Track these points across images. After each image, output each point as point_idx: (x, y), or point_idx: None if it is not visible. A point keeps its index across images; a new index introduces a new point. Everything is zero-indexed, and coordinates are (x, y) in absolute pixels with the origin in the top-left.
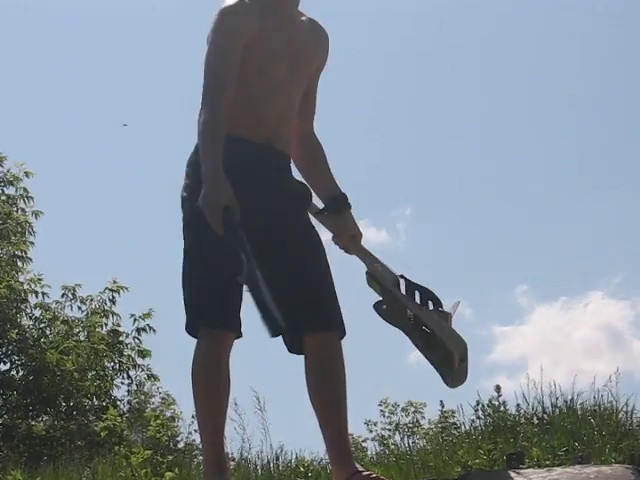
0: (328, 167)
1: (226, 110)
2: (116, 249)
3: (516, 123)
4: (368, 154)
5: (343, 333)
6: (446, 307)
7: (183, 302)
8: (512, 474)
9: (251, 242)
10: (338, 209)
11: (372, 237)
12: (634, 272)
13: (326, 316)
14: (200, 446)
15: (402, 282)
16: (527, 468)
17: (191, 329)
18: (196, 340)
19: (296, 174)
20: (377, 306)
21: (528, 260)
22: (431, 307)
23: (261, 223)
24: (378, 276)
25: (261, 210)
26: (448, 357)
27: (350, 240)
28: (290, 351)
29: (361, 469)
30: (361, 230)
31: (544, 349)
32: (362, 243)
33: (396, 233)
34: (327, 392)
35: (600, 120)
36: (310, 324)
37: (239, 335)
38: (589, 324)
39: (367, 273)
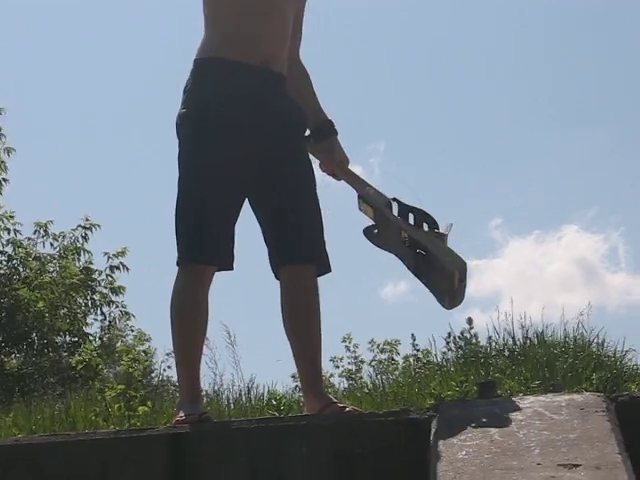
0: (314, 94)
1: (218, 32)
2: (89, 186)
3: (492, 57)
4: (343, 89)
5: (325, 269)
6: (440, 228)
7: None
8: (484, 402)
9: (248, 169)
10: (325, 136)
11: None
12: (608, 206)
13: (302, 250)
14: (176, 379)
15: (395, 205)
16: (499, 397)
17: (185, 262)
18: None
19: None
20: (368, 231)
21: (502, 194)
22: (426, 229)
23: (259, 149)
24: (370, 199)
25: (260, 135)
26: (447, 277)
27: (338, 166)
28: (277, 278)
29: (335, 400)
30: (348, 157)
31: (518, 283)
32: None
33: (370, 167)
34: (300, 324)
35: (576, 57)
36: (286, 257)
37: (225, 268)
38: (563, 258)
39: (359, 197)
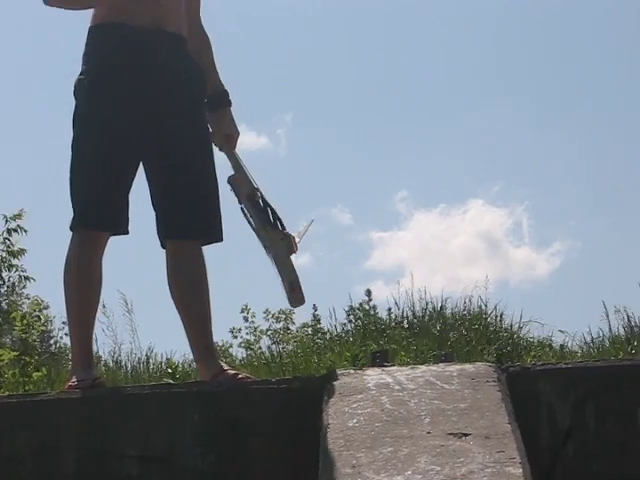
0: (213, 61)
1: None
2: None
3: (405, 22)
4: (249, 59)
5: (216, 238)
6: (299, 227)
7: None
8: (376, 371)
9: (141, 131)
10: (217, 106)
11: (252, 142)
12: (513, 180)
13: (188, 224)
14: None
15: (258, 195)
16: (391, 366)
17: (76, 227)
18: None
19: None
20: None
21: (408, 166)
22: (278, 227)
23: (152, 111)
24: (235, 185)
25: (152, 97)
26: (283, 284)
27: (224, 139)
28: (163, 247)
29: (227, 368)
30: (238, 130)
31: (422, 256)
32: (237, 145)
33: (277, 139)
34: (188, 294)
35: (481, 35)
36: (171, 230)
37: (119, 232)
38: (467, 231)
39: (228, 177)
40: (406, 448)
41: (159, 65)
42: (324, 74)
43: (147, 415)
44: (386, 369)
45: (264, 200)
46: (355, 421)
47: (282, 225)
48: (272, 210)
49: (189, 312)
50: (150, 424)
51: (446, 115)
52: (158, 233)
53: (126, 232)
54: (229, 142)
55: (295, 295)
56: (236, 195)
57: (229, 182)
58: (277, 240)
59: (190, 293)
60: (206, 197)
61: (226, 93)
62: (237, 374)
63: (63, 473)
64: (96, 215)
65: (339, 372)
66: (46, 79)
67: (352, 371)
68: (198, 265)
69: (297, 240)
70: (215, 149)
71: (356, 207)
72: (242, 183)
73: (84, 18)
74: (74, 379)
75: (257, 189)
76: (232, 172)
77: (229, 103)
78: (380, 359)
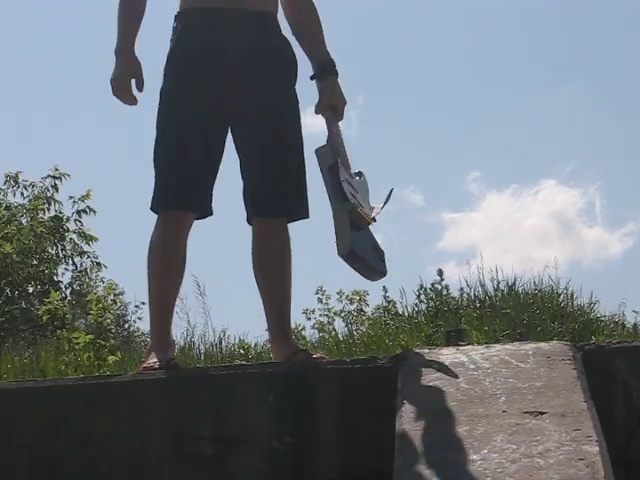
0: (318, 31)
1: None
2: (56, 135)
3: (473, 10)
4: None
5: (302, 215)
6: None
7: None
8: (451, 350)
9: (223, 111)
10: (321, 75)
11: (323, 124)
12: (586, 161)
13: (277, 203)
14: (148, 329)
15: (338, 167)
16: (466, 345)
17: (156, 208)
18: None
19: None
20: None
21: (481, 147)
22: (350, 200)
23: (234, 92)
24: (321, 156)
25: (233, 78)
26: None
27: (330, 109)
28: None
29: (302, 348)
30: (345, 99)
31: (494, 237)
32: (308, 126)
33: (348, 121)
34: (270, 273)
35: (556, 12)
36: (260, 208)
37: (204, 214)
38: (539, 212)
39: (317, 148)
40: (482, 427)
41: (238, 45)
42: (395, 55)
43: (222, 396)
44: (461, 348)
45: (346, 174)
46: (430, 400)
47: (357, 200)
48: (351, 185)
49: (268, 291)
50: (225, 405)
51: (519, 95)
52: (246, 208)
53: (210, 214)
54: (335, 112)
55: (361, 267)
56: (320, 165)
57: (316, 152)
58: (343, 211)
59: (271, 272)
60: (293, 174)
61: (332, 62)
62: (311, 354)
63: (138, 454)
64: (178, 195)
65: (414, 351)
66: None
67: (427, 350)
68: (282, 244)
69: (377, 210)
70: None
71: (428, 188)
72: (328, 155)
73: None
74: (151, 359)
75: (339, 162)
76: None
77: (335, 72)
78: (455, 338)
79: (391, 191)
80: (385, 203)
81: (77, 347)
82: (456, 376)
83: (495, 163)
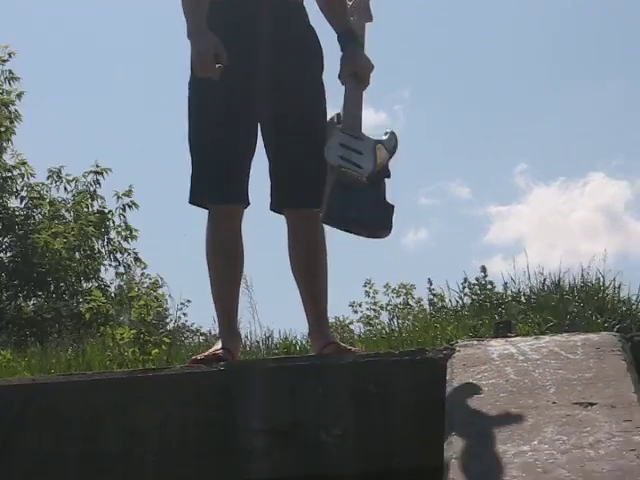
0: (341, 2)
1: None
2: (97, 129)
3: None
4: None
5: None
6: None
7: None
8: (500, 342)
9: (252, 102)
10: (343, 44)
11: (371, 119)
12: (634, 153)
13: (305, 194)
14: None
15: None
16: (515, 337)
17: (194, 201)
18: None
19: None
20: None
21: (528, 140)
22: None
23: (258, 84)
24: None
25: (259, 67)
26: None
27: (349, 79)
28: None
29: (336, 341)
30: (372, 63)
31: (541, 230)
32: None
33: (395, 114)
34: (306, 265)
35: (606, 4)
36: (290, 199)
37: (247, 204)
38: (587, 205)
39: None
40: (531, 418)
41: (261, 33)
42: (442, 48)
43: (270, 389)
44: (510, 340)
45: (346, 137)
46: (480, 392)
47: (351, 161)
48: (348, 147)
49: (305, 284)
50: (274, 398)
51: (568, 88)
52: (271, 199)
53: (247, 203)
54: (359, 79)
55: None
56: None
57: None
58: (330, 175)
59: (306, 264)
60: (322, 163)
61: (352, 31)
62: (346, 348)
63: (187, 446)
64: (211, 187)
65: (462, 343)
66: (156, 57)
67: (475, 342)
68: (316, 235)
69: (383, 162)
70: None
71: (475, 181)
72: (332, 122)
73: None
74: (214, 347)
75: (335, 126)
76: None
77: (355, 41)
78: (503, 330)
79: (392, 135)
80: (390, 154)
81: (121, 342)
82: (505, 367)
83: (543, 156)
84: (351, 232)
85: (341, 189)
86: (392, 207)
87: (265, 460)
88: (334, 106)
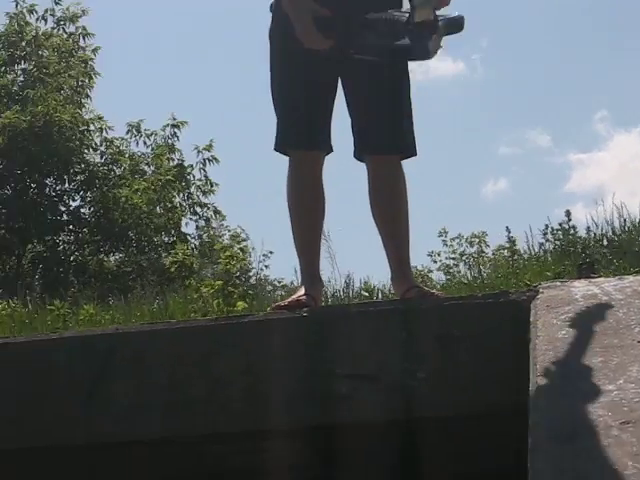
0: None
1: None
2: (173, 82)
3: None
4: None
5: (410, 153)
6: None
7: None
8: (583, 282)
9: (331, 50)
10: None
11: (449, 69)
12: None
13: (386, 139)
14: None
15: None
16: (598, 277)
17: (278, 148)
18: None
19: None
20: None
21: (608, 86)
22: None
23: (341, 28)
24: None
25: (340, 16)
26: None
27: None
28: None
29: (419, 285)
30: None
31: (622, 177)
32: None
33: (473, 64)
34: (387, 210)
35: None
36: (370, 146)
37: (329, 151)
38: None
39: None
40: (617, 357)
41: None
42: None
43: (355, 334)
44: (593, 280)
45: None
46: (564, 332)
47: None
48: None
49: (386, 229)
50: (358, 343)
51: None
52: (354, 147)
53: (330, 150)
54: None
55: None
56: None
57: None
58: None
59: (388, 210)
60: (400, 112)
61: None
62: (424, 290)
63: (271, 392)
64: (295, 134)
65: (545, 285)
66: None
67: (559, 283)
68: (397, 182)
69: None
70: None
71: (554, 129)
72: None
73: None
74: (297, 293)
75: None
76: None
77: None
78: (586, 271)
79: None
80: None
81: (205, 294)
82: (589, 307)
83: (623, 102)
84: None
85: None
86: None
87: (350, 405)
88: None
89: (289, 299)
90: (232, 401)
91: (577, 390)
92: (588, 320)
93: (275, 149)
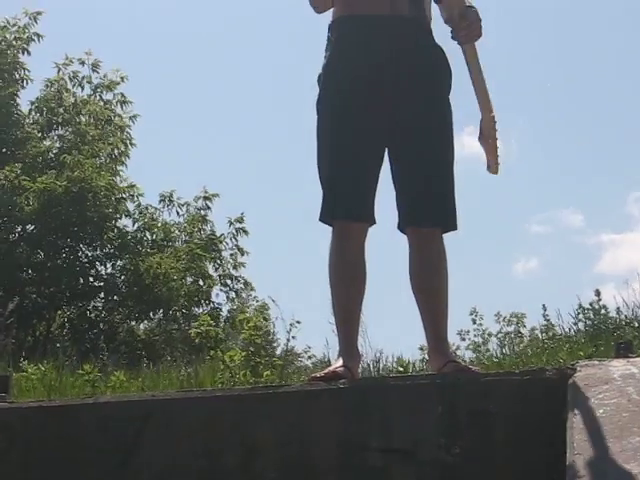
0: None
1: None
2: (204, 153)
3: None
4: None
5: (451, 227)
6: None
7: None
8: (621, 362)
9: (381, 121)
10: None
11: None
12: None
13: (431, 213)
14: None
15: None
16: (637, 357)
17: (324, 218)
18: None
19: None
20: None
21: None
22: None
23: (387, 101)
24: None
25: (387, 85)
26: None
27: (454, 19)
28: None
29: (457, 360)
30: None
31: None
32: (461, 141)
33: (508, 141)
34: (427, 283)
35: None
36: (414, 218)
37: (372, 223)
38: None
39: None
40: None
41: (395, 55)
42: (555, 77)
43: (390, 407)
44: (631, 360)
45: None
46: (601, 411)
47: None
48: None
49: (426, 303)
50: (393, 416)
51: None
52: (399, 218)
53: (373, 222)
54: (467, 27)
55: None
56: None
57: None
58: None
59: (429, 284)
60: (444, 184)
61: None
62: (465, 367)
63: (306, 464)
64: (343, 205)
65: (583, 363)
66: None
67: (596, 362)
68: (438, 254)
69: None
70: None
71: (588, 209)
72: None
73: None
74: (334, 365)
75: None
76: None
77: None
78: (624, 350)
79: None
80: None
81: (232, 365)
82: (627, 387)
83: None
84: None
85: None
86: None
87: (385, 478)
88: (461, 127)
89: (325, 370)
90: (266, 471)
91: (615, 471)
92: (626, 400)
93: (320, 219)
